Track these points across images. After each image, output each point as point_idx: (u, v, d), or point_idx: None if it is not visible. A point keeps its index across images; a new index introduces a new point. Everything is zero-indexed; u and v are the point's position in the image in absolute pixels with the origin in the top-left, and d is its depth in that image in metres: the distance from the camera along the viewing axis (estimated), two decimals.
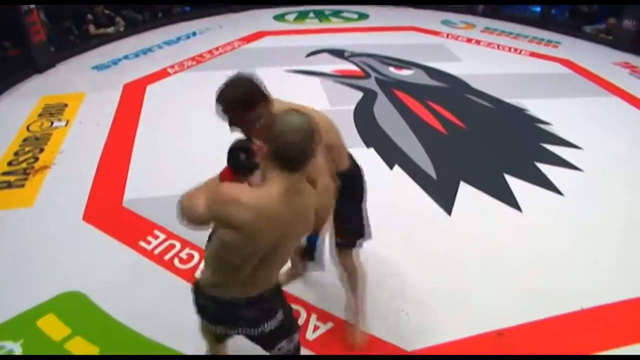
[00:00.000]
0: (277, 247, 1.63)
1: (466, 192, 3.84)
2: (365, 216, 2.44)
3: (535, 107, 5.35)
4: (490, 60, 7.00)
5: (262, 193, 1.53)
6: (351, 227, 2.40)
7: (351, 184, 2.28)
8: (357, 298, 2.56)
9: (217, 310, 1.77)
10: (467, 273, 3.06)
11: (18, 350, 2.47)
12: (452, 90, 5.88)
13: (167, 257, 3.13)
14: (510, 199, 3.78)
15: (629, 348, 2.59)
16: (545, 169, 4.19)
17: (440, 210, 3.63)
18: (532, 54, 7.26)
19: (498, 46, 7.61)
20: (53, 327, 2.60)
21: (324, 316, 2.70)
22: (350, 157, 2.30)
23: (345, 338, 2.57)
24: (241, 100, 1.92)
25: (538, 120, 5.09)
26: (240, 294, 1.73)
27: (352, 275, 2.51)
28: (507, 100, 5.54)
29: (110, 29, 7.52)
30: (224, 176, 1.74)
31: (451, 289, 2.93)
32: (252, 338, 1.84)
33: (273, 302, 1.81)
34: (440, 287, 2.94)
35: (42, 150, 4.33)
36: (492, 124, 5.13)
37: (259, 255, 1.61)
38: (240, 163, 1.74)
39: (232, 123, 1.96)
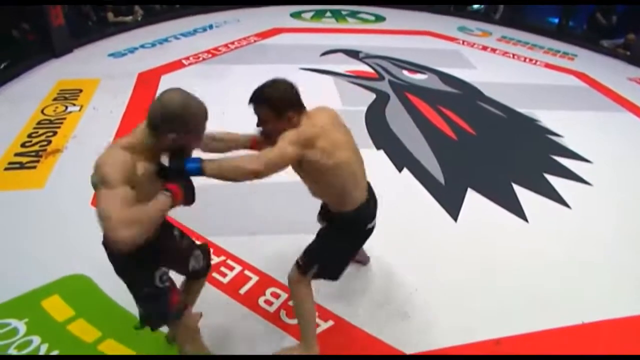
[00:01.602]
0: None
1: (473, 199, 3.85)
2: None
3: (547, 118, 5.34)
4: (505, 69, 6.98)
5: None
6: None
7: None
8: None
9: None
10: (469, 280, 3.06)
11: (22, 329, 2.51)
12: (464, 97, 5.88)
13: None
14: (516, 209, 3.77)
15: None
16: (554, 180, 4.18)
17: (447, 216, 3.64)
18: (547, 65, 7.23)
19: (513, 55, 7.59)
20: (57, 308, 2.64)
21: (324, 314, 2.72)
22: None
23: None
24: (275, 102, 1.96)
25: (549, 131, 5.08)
26: None
27: (300, 304, 2.38)
28: (519, 109, 5.54)
29: (128, 18, 7.59)
30: None
31: (452, 294, 2.94)
32: None
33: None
34: (441, 291, 2.95)
35: (55, 133, 4.38)
36: (503, 132, 5.13)
37: None
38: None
39: (260, 124, 2.02)
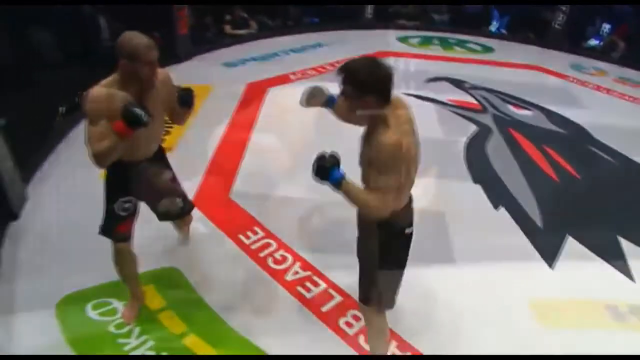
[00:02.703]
0: None
1: (573, 248, 3.61)
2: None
3: None
4: (619, 112, 6.51)
5: None
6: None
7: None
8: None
9: None
10: (564, 332, 2.88)
11: (120, 311, 2.71)
12: (571, 138, 5.57)
13: (262, 255, 3.27)
14: (621, 265, 3.49)
15: None
16: None
17: (542, 262, 3.45)
18: None
19: (630, 98, 7.07)
20: (151, 297, 2.83)
21: (404, 346, 2.67)
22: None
23: None
24: (359, 79, 1.81)
25: None
26: None
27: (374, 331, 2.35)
28: (632, 157, 5.14)
29: (244, 31, 8.02)
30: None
31: (525, 343, 2.77)
32: None
33: None
34: (528, 339, 2.80)
35: (168, 132, 4.70)
36: (611, 180, 4.78)
37: None
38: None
39: (342, 93, 1.88)
